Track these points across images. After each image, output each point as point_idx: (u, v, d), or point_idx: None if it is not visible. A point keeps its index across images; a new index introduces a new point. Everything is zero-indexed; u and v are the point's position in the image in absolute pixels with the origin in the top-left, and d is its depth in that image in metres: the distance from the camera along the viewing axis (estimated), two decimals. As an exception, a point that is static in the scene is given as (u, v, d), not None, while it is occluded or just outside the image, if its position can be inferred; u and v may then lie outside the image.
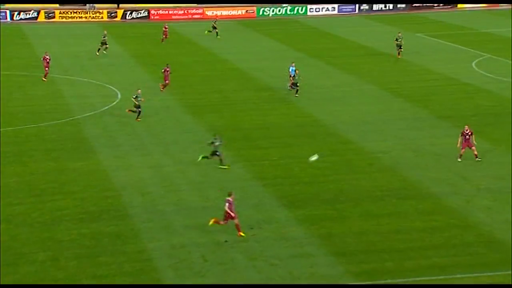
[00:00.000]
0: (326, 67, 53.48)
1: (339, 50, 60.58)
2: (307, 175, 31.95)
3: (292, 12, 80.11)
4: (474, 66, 52.82)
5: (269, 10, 79.93)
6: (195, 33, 65.61)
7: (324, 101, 43.46)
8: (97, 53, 57.77)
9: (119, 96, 45.49)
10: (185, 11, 79.49)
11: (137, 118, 39.69)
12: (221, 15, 77.75)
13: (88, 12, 78.74)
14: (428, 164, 33.40)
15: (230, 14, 79.02)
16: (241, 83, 49.16)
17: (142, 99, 39.86)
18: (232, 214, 25.73)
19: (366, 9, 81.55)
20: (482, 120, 39.85)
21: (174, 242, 25.67)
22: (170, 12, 79.34)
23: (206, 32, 66.20)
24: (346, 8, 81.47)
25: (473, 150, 33.16)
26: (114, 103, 44.01)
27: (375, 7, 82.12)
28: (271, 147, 35.58)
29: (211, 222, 26.00)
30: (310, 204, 28.91)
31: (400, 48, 55.46)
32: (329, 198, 29.52)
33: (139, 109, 39.72)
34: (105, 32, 59.20)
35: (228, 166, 32.62)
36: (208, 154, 32.63)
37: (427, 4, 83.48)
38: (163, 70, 46.08)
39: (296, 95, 44.34)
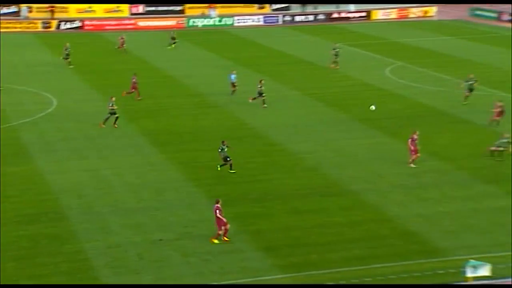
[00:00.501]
0: (253, 74, 53.75)
1: (265, 58, 60.97)
2: (237, 176, 32.08)
3: (220, 23, 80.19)
4: (387, 73, 53.98)
5: (198, 21, 79.85)
6: (128, 42, 64.90)
7: (252, 106, 43.69)
8: (70, 66, 54.93)
9: (55, 103, 44.66)
10: (118, 22, 78.62)
11: (114, 123, 39.21)
12: (153, 26, 77.25)
13: (23, 22, 76.99)
14: (348, 163, 34.01)
15: (161, 24, 78.60)
16: (174, 90, 48.96)
17: (115, 107, 39.37)
18: (224, 220, 25.19)
19: (289, 20, 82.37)
20: (396, 122, 40.78)
21: (111, 241, 25.41)
22: (104, 22, 78.33)
23: (170, 47, 64.58)
24: (270, 19, 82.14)
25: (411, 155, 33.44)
26: (50, 110, 43.19)
27: (298, 18, 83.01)
28: (203, 150, 35.57)
29: (217, 241, 25.08)
30: (240, 203, 29.05)
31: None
32: (257, 197, 29.72)
33: (116, 115, 39.31)
34: (68, 44, 56.58)
35: (234, 171, 32.13)
36: (222, 162, 32.23)
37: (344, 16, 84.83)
38: (132, 81, 45.56)
39: (265, 105, 43.39)
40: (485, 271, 22.06)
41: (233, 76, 46.41)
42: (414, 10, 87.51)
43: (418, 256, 24.44)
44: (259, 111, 42.93)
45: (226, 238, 25.41)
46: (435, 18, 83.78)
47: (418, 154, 33.11)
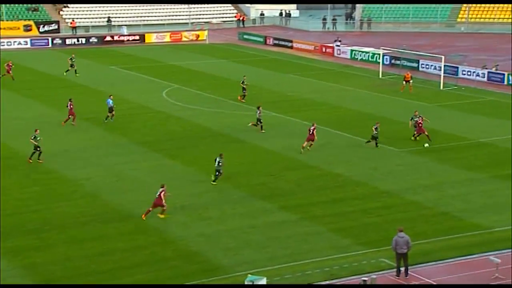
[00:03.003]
0: (23, 99, 51.17)
1: (35, 82, 58.40)
2: (10, 207, 30.15)
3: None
4: (164, 95, 54.21)
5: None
6: None
7: (24, 133, 41.39)
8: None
9: None
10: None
11: (38, 158, 35.88)
12: None
13: None
14: (129, 187, 33.42)
15: None
16: None
17: (36, 141, 35.96)
18: (163, 202, 28.78)
19: (59, 43, 79.89)
20: (176, 144, 40.96)
21: None
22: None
23: (65, 73, 60.94)
24: (38, 42, 79.16)
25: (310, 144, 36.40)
26: None
27: (68, 41, 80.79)
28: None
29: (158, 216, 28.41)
30: (13, 235, 27.25)
31: (244, 92, 52.06)
32: (33, 228, 28.09)
33: (39, 149, 35.87)
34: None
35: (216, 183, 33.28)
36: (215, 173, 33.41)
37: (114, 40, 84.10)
38: (67, 105, 43.08)
39: (262, 131, 42.51)
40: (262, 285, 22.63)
41: (110, 101, 44.85)
42: (186, 34, 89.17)
43: (200, 276, 24.53)
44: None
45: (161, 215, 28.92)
46: (206, 42, 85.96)
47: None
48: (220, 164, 33.73)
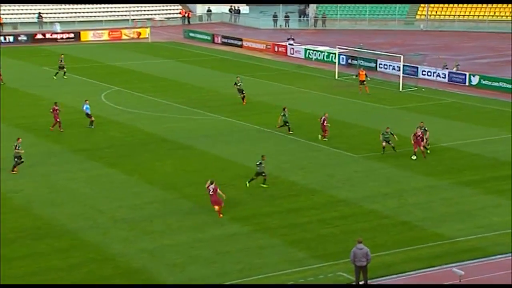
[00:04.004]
0: None
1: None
2: None
3: None
4: (103, 99, 53.62)
5: None
6: None
7: None
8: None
9: None
10: None
11: (12, 170, 35.70)
12: None
13: None
14: (64, 200, 32.87)
15: None
16: None
17: (21, 150, 35.79)
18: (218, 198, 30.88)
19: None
20: (116, 151, 40.50)
21: None
22: None
23: (55, 77, 60.02)
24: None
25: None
26: None
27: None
28: None
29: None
30: None
31: (243, 93, 52.08)
32: (-44, 246, 27.37)
33: (21, 160, 35.75)
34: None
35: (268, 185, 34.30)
36: (253, 176, 34.31)
37: (52, 39, 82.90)
38: (51, 110, 42.87)
39: (290, 132, 43.65)
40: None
41: (86, 107, 44.83)
42: (126, 31, 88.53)
43: (145, 295, 24.23)
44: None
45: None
46: (149, 40, 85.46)
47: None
48: (262, 165, 34.41)
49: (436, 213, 31.75)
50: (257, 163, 34.81)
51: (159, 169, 37.52)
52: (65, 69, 60.88)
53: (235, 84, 52.67)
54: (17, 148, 36.46)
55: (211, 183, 30.83)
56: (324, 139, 42.09)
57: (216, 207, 30.97)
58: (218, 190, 30.78)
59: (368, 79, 57.14)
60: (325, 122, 42.43)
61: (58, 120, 44.25)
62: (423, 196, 33.84)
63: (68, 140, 42.61)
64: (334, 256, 27.23)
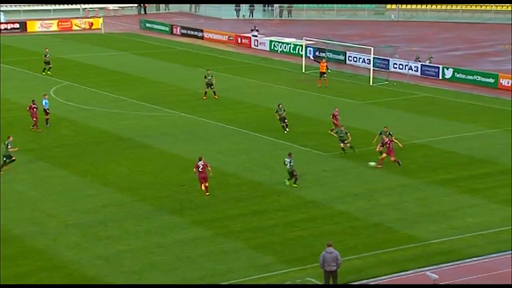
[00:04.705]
0: None
1: None
2: None
3: None
4: (53, 94, 53.10)
5: None
6: None
7: None
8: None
9: None
10: None
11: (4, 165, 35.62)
12: None
13: None
14: (9, 204, 32.51)
15: None
16: None
17: (13, 149, 36.11)
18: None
19: None
20: (67, 151, 40.17)
21: None
22: None
23: (43, 73, 59.29)
24: None
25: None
26: None
27: None
28: None
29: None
30: None
31: (212, 88, 51.61)
32: None
33: (13, 159, 35.82)
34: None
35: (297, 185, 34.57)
36: (288, 177, 34.69)
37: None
38: (28, 108, 42.77)
39: (287, 129, 43.49)
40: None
41: (45, 102, 44.32)
42: (77, 21, 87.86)
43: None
44: None
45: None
46: (102, 31, 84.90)
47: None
48: (291, 164, 34.58)
49: (409, 214, 32.03)
50: (286, 162, 34.80)
51: (114, 170, 37.30)
52: (50, 65, 60.00)
53: (205, 77, 52.54)
54: (8, 147, 36.44)
55: (200, 160, 33.25)
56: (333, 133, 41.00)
57: (205, 185, 33.33)
58: (208, 166, 33.27)
59: (329, 71, 57.44)
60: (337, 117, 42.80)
61: (35, 119, 43.57)
62: (396, 196, 34.12)
63: (13, 139, 42.05)
64: (302, 260, 27.33)
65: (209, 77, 52.25)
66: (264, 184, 35.45)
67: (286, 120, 43.71)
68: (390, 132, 38.91)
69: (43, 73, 59.76)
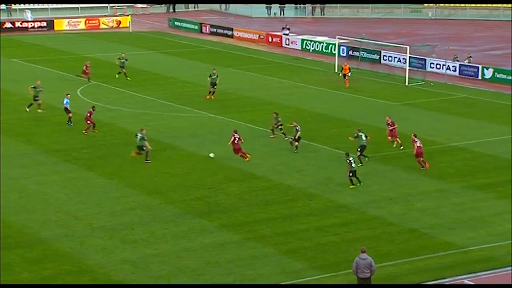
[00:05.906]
0: None
1: None
2: None
3: None
4: (79, 94, 53.58)
5: None
6: None
7: None
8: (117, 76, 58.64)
9: None
10: None
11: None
12: None
13: None
14: (35, 205, 32.87)
15: None
16: None
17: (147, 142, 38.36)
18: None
19: None
20: (93, 152, 40.50)
21: None
22: None
23: (117, 75, 59.20)
24: None
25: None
26: None
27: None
28: None
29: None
30: None
31: (214, 87, 52.11)
32: None
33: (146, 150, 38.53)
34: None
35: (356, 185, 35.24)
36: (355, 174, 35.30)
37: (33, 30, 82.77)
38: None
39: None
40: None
41: (66, 101, 45.32)
42: (105, 20, 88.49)
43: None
44: None
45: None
46: (130, 30, 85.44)
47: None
48: (353, 162, 35.28)
49: (446, 220, 31.88)
50: (348, 160, 35.07)
51: (141, 172, 37.53)
52: (124, 70, 58.47)
53: (210, 76, 52.64)
54: (144, 139, 38.56)
55: (235, 132, 37.56)
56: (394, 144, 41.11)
57: (241, 154, 37.63)
58: (241, 140, 37.64)
59: (349, 74, 57.09)
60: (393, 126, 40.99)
61: (88, 122, 43.73)
62: (432, 201, 33.97)
63: (40, 139, 42.57)
64: (335, 267, 27.32)
65: (214, 77, 52.37)
66: (294, 187, 35.47)
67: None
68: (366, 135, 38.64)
69: (117, 76, 58.89)
